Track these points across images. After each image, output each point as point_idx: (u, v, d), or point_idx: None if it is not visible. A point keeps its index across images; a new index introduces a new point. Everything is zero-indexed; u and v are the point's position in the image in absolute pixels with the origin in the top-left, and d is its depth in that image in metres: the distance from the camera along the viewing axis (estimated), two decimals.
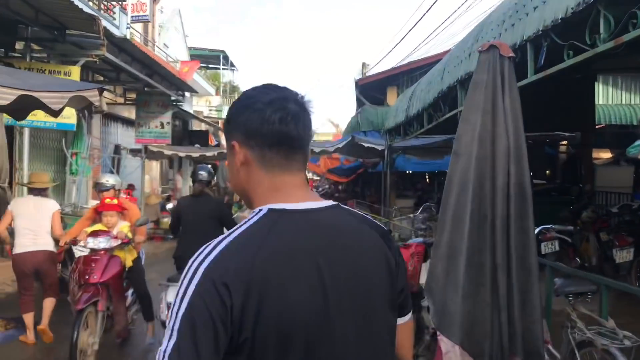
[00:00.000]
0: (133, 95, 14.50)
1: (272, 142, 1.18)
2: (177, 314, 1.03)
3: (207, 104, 34.89)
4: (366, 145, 11.33)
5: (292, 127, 1.18)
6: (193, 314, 1.01)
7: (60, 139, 11.12)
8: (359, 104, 20.68)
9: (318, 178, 31.98)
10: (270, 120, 1.17)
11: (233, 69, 41.20)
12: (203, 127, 25.93)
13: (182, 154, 13.36)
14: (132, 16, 14.67)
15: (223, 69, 38.58)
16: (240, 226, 1.14)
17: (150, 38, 18.89)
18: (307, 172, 1.59)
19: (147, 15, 15.08)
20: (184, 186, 23.72)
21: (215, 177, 22.74)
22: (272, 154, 1.19)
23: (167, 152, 13.22)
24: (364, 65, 28.14)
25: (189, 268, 1.07)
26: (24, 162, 10.26)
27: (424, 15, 18.60)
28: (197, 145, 14.44)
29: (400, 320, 1.31)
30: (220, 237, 1.12)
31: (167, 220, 14.05)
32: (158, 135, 14.22)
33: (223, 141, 26.27)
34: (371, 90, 18.97)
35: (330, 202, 1.24)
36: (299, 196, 1.19)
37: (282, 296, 1.05)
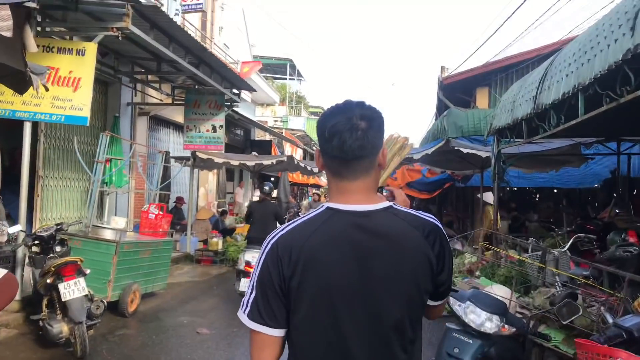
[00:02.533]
0: (184, 96, 12.57)
1: (332, 156, 1.49)
2: (254, 273, 1.48)
3: (272, 114, 33.22)
4: (465, 151, 8.72)
5: (345, 141, 1.44)
6: (262, 275, 1.45)
7: (73, 137, 9.23)
8: (441, 108, 18.00)
9: (387, 193, 28.79)
10: (327, 138, 1.48)
11: (300, 79, 39.57)
12: (268, 137, 24.08)
13: (235, 162, 11.27)
14: (183, 5, 12.84)
15: (290, 79, 37.02)
16: (305, 216, 1.51)
17: (209, 36, 17.07)
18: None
19: (201, 4, 13.20)
20: (245, 200, 21.85)
21: (276, 191, 20.82)
22: (334, 164, 1.51)
23: (218, 159, 11.15)
24: (442, 69, 25.47)
25: (266, 240, 1.49)
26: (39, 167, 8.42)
27: (517, 8, 15.80)
28: (254, 153, 12.34)
29: (431, 302, 1.59)
30: (289, 223, 1.52)
31: (216, 241, 11.93)
32: (209, 140, 12.19)
33: (287, 151, 24.19)
34: (457, 91, 16.29)
35: (384, 204, 1.51)
36: (355, 199, 1.49)
37: (321, 274, 1.41)
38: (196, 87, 12.18)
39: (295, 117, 34.24)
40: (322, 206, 1.51)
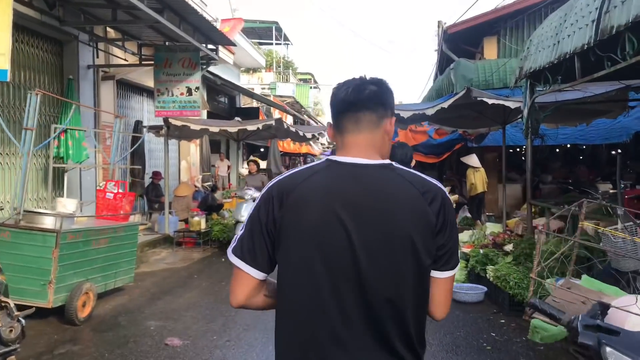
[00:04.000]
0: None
1: (338, 110, 1.53)
2: (249, 214, 1.51)
3: (259, 81, 31.49)
4: (491, 101, 7.17)
5: (350, 93, 1.50)
6: (254, 213, 1.49)
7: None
8: (444, 63, 16.37)
9: None
10: (336, 94, 1.54)
11: (287, 43, 37.57)
12: (255, 104, 22.38)
13: (214, 129, 9.68)
14: None
15: (276, 43, 35.09)
16: (306, 165, 1.52)
17: None
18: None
19: None
20: (233, 173, 20.29)
21: (266, 162, 19.23)
22: (339, 120, 1.53)
23: (195, 126, 9.56)
24: (440, 23, 23.71)
25: (266, 186, 1.52)
26: None
27: None
28: (237, 119, 10.76)
29: (435, 273, 1.48)
30: (289, 170, 1.58)
31: (198, 220, 10.40)
32: (184, 105, 10.57)
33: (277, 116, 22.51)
34: (461, 42, 14.66)
35: (383, 161, 1.50)
36: (356, 153, 1.49)
37: (309, 217, 1.41)
38: (166, 43, 10.50)
39: (284, 84, 32.43)
40: (326, 159, 1.52)
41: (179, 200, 11.60)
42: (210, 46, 10.74)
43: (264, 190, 1.49)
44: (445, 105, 7.69)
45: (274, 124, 9.76)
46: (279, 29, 33.29)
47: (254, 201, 9.84)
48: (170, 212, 11.12)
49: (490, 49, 14.04)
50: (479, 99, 7.09)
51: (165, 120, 9.82)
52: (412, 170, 1.51)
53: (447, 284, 1.52)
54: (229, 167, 17.03)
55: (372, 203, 1.40)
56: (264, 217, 1.45)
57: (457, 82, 11.88)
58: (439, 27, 23.66)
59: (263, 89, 29.79)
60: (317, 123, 31.86)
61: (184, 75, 10.56)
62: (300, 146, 23.12)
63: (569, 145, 15.74)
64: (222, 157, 17.32)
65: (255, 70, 31.76)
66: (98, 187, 7.31)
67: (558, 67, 5.83)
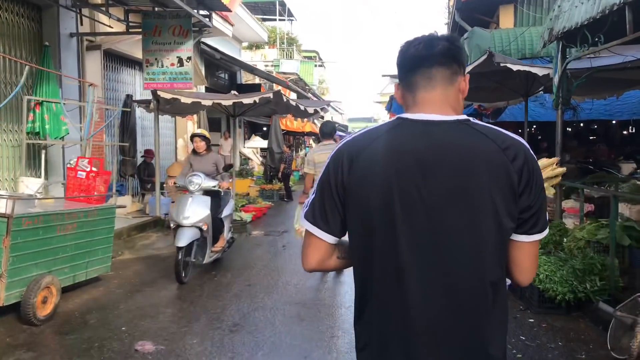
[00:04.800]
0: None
1: (409, 67, 1.44)
2: (319, 176, 1.46)
3: (262, 58, 30.48)
4: (516, 68, 6.26)
5: (421, 49, 1.41)
6: (323, 177, 1.44)
7: None
8: (457, 34, 15.38)
9: None
10: (404, 51, 1.45)
11: (292, 19, 36.41)
12: (257, 80, 21.47)
13: (206, 102, 8.82)
14: None
15: (280, 19, 33.98)
16: (376, 125, 1.46)
17: None
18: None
19: None
20: (234, 154, 19.48)
21: (267, 141, 18.35)
22: (410, 77, 1.43)
23: (186, 100, 8.71)
24: None
25: (336, 145, 1.47)
26: None
27: None
28: (233, 92, 9.90)
29: (520, 237, 1.38)
30: (360, 129, 1.56)
31: None
32: (175, 76, 9.71)
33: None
34: (475, 12, 13.68)
35: (459, 117, 1.39)
36: (430, 109, 1.40)
37: (379, 177, 1.34)
38: (155, 9, 9.61)
39: (288, 61, 31.40)
40: (397, 117, 1.45)
41: (172, 180, 10.80)
42: (203, 12, 9.85)
43: (334, 151, 1.46)
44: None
45: (272, 97, 8.90)
46: (282, 4, 32.16)
47: (204, 194, 6.47)
48: (162, 193, 10.37)
49: (506, 18, 13.09)
50: (502, 64, 6.19)
51: (154, 92, 8.98)
52: (491, 126, 1.40)
53: (534, 248, 1.43)
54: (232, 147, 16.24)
55: (447, 161, 1.32)
56: (334, 179, 1.41)
57: (472, 53, 10.93)
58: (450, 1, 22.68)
59: (266, 65, 28.83)
60: None
61: (174, 44, 9.68)
62: (303, 124, 22.22)
63: (582, 124, 14.81)
64: (226, 135, 16.51)
65: (258, 46, 30.78)
66: (68, 165, 6.48)
67: (600, 24, 4.95)
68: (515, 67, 6.27)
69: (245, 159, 19.65)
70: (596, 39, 5.11)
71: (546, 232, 1.43)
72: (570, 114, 6.24)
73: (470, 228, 1.30)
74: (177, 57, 9.71)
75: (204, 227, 6.27)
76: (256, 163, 19.42)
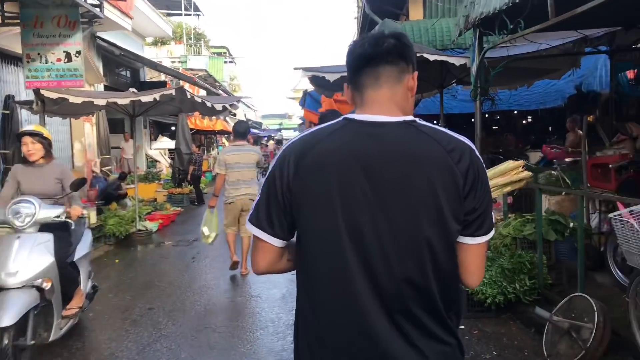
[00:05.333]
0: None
1: (356, 66, 1.41)
2: (265, 178, 1.42)
3: (169, 55, 29.12)
4: (432, 57, 5.94)
5: (367, 47, 1.38)
6: (269, 179, 1.40)
7: None
8: (366, 27, 15.15)
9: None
10: (352, 50, 1.43)
11: (198, 14, 35.10)
12: (163, 78, 20.26)
13: (100, 102, 7.89)
14: None
15: (186, 14, 32.64)
16: (323, 125, 1.42)
17: None
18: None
19: None
20: (140, 156, 18.25)
21: (174, 141, 17.31)
22: (358, 76, 1.41)
23: (75, 99, 7.72)
24: None
25: (281, 148, 1.46)
26: None
27: None
28: (132, 90, 8.99)
29: (466, 239, 1.37)
30: (305, 131, 1.50)
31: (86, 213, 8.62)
32: (63, 73, 8.65)
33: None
34: (385, 3, 13.49)
35: (405, 118, 1.37)
36: (375, 110, 1.38)
37: (325, 179, 1.32)
38: None
39: (196, 57, 30.24)
40: (343, 118, 1.43)
41: None
42: (92, 1, 8.87)
43: (279, 153, 1.43)
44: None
45: (174, 94, 8.12)
46: None
47: (42, 229, 3.92)
48: None
49: (416, 10, 12.99)
50: (418, 54, 5.85)
51: (37, 92, 7.91)
52: (436, 127, 1.39)
53: (481, 250, 1.42)
54: (137, 147, 15.11)
55: (393, 164, 1.31)
56: (279, 182, 1.37)
57: None
58: None
59: (173, 62, 27.57)
60: None
61: (60, 36, 8.62)
62: (214, 122, 21.33)
63: (486, 115, 15.10)
64: (127, 137, 15.32)
65: (164, 42, 29.37)
66: None
67: (519, 9, 4.68)
68: (432, 57, 5.97)
69: (153, 162, 18.52)
70: (515, 26, 4.86)
71: (492, 233, 1.42)
72: (489, 104, 6.02)
73: (415, 232, 1.29)
74: (64, 51, 8.64)
75: (46, 285, 3.85)
76: (164, 165, 18.32)
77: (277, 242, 1.41)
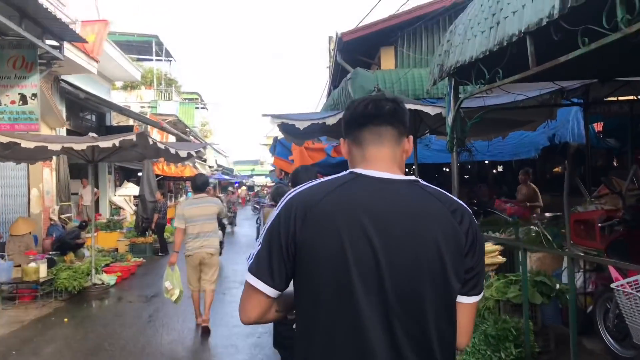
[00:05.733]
0: None
1: (359, 123, 1.48)
2: (266, 227, 1.41)
3: (138, 99, 28.71)
4: (412, 107, 5.68)
5: (370, 108, 1.47)
6: (272, 228, 1.38)
7: None
8: (338, 76, 15.07)
9: (274, 184, 23.56)
10: (354, 108, 1.50)
11: (170, 60, 34.95)
12: (131, 122, 19.75)
13: (54, 147, 7.36)
14: None
15: (157, 59, 32.51)
16: (329, 177, 1.45)
17: None
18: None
19: None
20: (103, 202, 17.56)
21: (139, 188, 16.69)
22: (360, 132, 1.48)
23: (27, 144, 7.20)
24: (330, 39, 22.68)
25: (284, 197, 1.43)
26: None
27: None
28: (92, 134, 8.52)
29: (461, 298, 1.39)
30: (312, 181, 1.46)
31: (34, 267, 7.97)
32: (17, 116, 8.17)
33: (157, 139, 20.10)
34: (357, 52, 13.43)
35: (409, 177, 1.44)
36: (380, 166, 1.44)
37: (333, 235, 1.31)
38: None
39: (166, 102, 29.88)
40: (349, 171, 1.46)
41: (15, 240, 9.03)
42: (52, 42, 8.48)
43: (283, 202, 1.42)
44: (334, 118, 6.11)
45: (134, 139, 7.67)
46: (159, 44, 30.82)
47: None
48: (1, 257, 8.59)
49: (387, 59, 12.94)
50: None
51: None
52: (437, 188, 1.45)
53: (472, 310, 1.46)
54: (95, 194, 14.43)
55: (402, 220, 1.35)
56: (285, 232, 1.36)
57: (356, 94, 10.48)
58: (330, 42, 22.75)
59: (142, 107, 27.19)
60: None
61: (15, 78, 8.18)
62: (182, 168, 20.82)
63: (458, 164, 15.07)
64: (84, 183, 14.66)
65: (134, 87, 29.02)
66: None
67: (498, 58, 4.46)
68: (412, 107, 5.69)
69: (116, 209, 17.81)
70: (493, 75, 4.63)
71: (482, 295, 1.47)
72: (466, 155, 5.76)
73: (420, 294, 1.31)
74: (20, 93, 8.18)
75: None
76: (129, 213, 17.62)
77: (274, 293, 1.39)
